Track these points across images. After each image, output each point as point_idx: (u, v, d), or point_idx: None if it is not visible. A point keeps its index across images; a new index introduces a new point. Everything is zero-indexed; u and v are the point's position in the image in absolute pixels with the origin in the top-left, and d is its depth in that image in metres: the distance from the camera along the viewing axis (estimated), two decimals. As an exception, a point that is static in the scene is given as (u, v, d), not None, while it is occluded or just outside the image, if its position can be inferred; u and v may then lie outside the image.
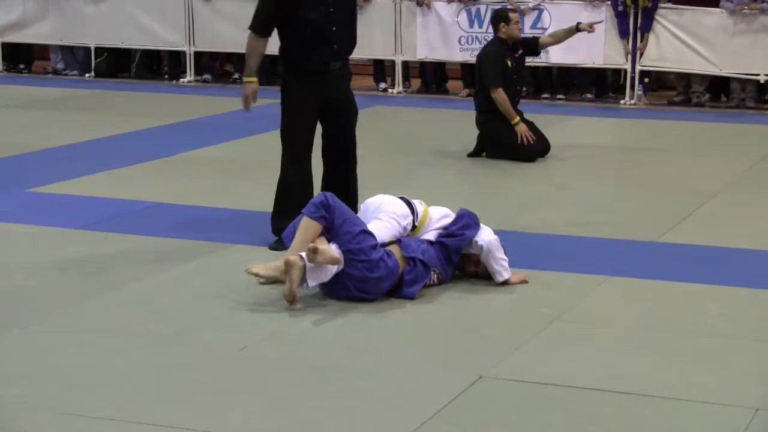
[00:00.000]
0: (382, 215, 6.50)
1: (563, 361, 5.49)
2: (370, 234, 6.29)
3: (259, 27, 7.31)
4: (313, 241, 6.11)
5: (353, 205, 6.94)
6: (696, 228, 8.05)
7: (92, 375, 5.27)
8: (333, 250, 6.11)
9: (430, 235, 6.58)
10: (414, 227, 6.58)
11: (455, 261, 6.59)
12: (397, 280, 6.32)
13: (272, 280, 6.36)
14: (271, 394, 5.08)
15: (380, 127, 12.72)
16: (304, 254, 6.02)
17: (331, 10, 7.17)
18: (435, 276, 6.48)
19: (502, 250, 6.59)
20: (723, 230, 8.00)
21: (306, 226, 6.23)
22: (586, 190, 9.40)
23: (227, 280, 6.58)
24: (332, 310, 6.17)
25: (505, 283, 6.57)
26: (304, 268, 6.04)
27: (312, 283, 6.12)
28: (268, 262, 6.44)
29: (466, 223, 6.55)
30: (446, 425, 4.77)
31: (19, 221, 8.00)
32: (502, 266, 6.56)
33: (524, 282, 6.62)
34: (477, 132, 10.52)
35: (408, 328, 5.99)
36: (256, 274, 6.35)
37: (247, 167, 10.06)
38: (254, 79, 7.27)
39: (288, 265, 6.04)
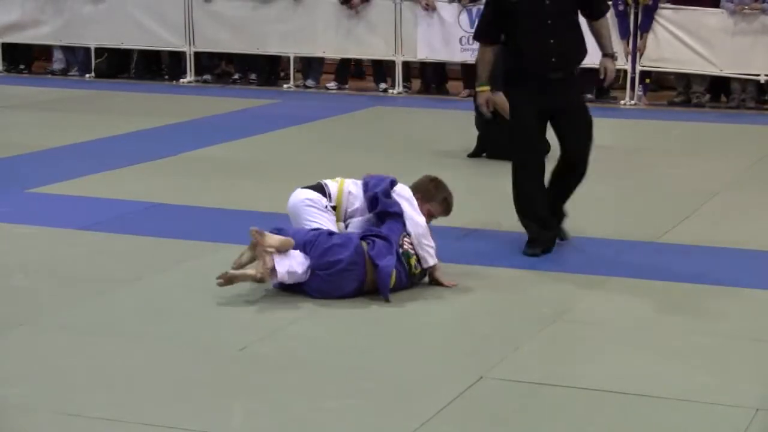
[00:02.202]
0: (304, 213, 6.63)
1: (563, 361, 5.50)
2: (318, 228, 6.49)
3: (478, 35, 7.42)
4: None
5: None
6: (696, 228, 8.05)
7: (92, 375, 5.27)
8: (279, 237, 6.30)
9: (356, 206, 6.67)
10: (333, 207, 6.68)
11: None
12: (367, 261, 6.32)
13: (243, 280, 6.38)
14: (271, 394, 5.08)
15: (380, 127, 12.74)
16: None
17: (549, 22, 7.12)
18: (408, 240, 6.49)
19: (429, 236, 6.57)
20: (723, 230, 8.00)
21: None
22: (586, 190, 9.35)
23: (227, 280, 6.58)
24: (332, 310, 6.17)
25: (432, 271, 6.56)
26: (272, 255, 6.23)
27: (280, 269, 6.19)
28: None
29: (385, 191, 6.60)
30: (446, 425, 4.77)
31: (19, 221, 8.00)
32: (428, 253, 6.54)
33: (454, 285, 6.58)
34: (477, 132, 10.51)
35: (408, 328, 5.99)
36: (229, 278, 6.32)
37: (247, 167, 10.06)
38: (484, 88, 7.38)
39: (258, 247, 6.26)
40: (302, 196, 6.73)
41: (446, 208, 6.79)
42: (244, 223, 7.80)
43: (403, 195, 6.66)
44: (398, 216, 6.53)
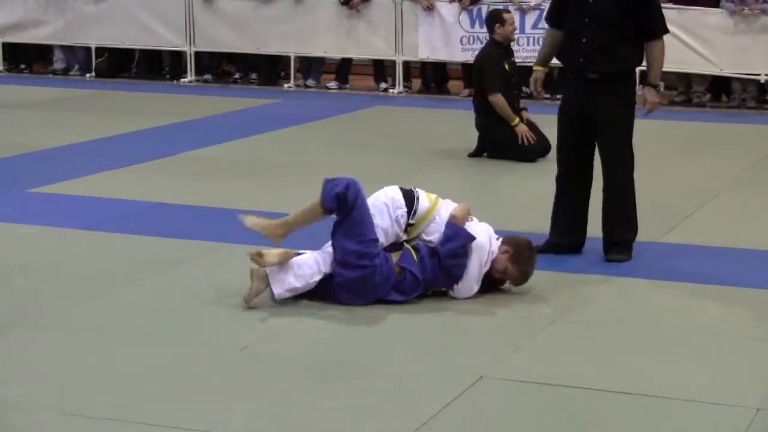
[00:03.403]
0: (375, 201, 6.37)
1: (563, 361, 5.49)
2: (377, 241, 6.26)
3: (546, 15, 7.70)
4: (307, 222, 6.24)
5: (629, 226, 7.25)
6: (696, 228, 8.05)
7: (92, 375, 5.27)
8: (278, 251, 6.16)
9: (434, 237, 6.42)
10: (409, 224, 6.39)
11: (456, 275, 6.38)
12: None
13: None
14: (271, 394, 5.08)
15: (381, 127, 12.73)
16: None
17: (586, 20, 7.05)
18: (444, 289, 6.42)
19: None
20: (723, 230, 8.00)
21: (312, 209, 6.26)
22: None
23: (227, 280, 6.57)
24: (332, 310, 6.17)
25: None
26: (267, 276, 6.14)
27: (277, 290, 6.14)
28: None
29: (454, 251, 6.31)
30: (447, 425, 4.77)
31: (19, 221, 7.99)
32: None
33: None
34: (477, 132, 10.51)
35: (408, 328, 5.99)
36: (257, 255, 6.17)
37: (247, 167, 10.06)
38: (537, 68, 7.47)
39: (252, 273, 6.16)
40: (390, 193, 6.42)
41: (519, 280, 6.45)
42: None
43: (480, 256, 6.33)
44: (456, 278, 6.35)
